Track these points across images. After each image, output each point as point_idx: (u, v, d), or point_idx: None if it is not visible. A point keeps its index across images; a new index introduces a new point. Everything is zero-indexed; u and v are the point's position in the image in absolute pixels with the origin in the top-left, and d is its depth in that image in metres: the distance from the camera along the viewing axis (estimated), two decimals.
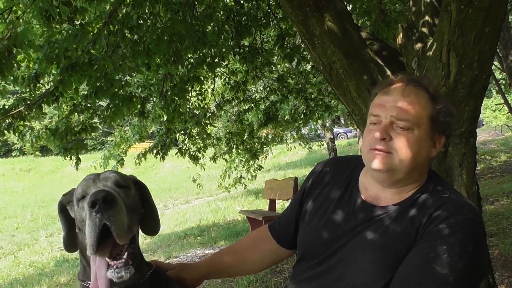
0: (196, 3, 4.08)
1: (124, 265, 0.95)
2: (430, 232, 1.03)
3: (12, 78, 3.79)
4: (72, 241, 1.11)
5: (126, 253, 0.97)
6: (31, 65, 3.58)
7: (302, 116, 6.50)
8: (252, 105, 6.50)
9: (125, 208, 0.97)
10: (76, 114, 4.29)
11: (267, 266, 1.44)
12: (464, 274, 0.98)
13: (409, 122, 1.08)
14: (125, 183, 1.06)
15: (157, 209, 1.20)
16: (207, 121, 6.24)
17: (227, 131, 7.30)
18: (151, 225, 1.15)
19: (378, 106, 1.13)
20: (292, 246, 1.35)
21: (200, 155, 7.11)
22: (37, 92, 3.87)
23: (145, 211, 1.13)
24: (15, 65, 2.85)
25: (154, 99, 5.27)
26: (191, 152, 6.97)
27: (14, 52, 2.73)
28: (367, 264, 1.07)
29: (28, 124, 3.88)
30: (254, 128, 6.87)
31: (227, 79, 6.04)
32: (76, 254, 1.15)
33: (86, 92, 3.92)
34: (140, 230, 1.13)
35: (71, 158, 4.89)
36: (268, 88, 6.34)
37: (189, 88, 5.09)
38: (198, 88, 5.82)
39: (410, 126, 1.08)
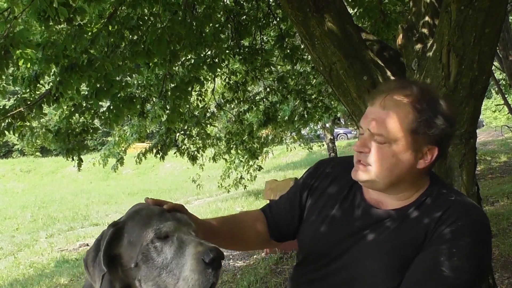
0: (195, 3, 4.07)
1: None
2: (438, 235, 1.02)
3: (12, 78, 3.79)
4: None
5: None
6: (28, 66, 3.56)
7: (300, 118, 6.48)
8: (252, 105, 6.49)
9: None
10: (77, 115, 4.27)
11: (253, 248, 1.42)
12: (471, 276, 0.98)
13: (384, 137, 1.06)
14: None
15: None
16: (207, 121, 6.22)
17: (227, 131, 7.29)
18: None
19: (363, 117, 1.12)
20: (279, 238, 1.32)
21: (199, 155, 7.09)
22: (37, 92, 3.86)
23: None
24: (15, 66, 2.83)
25: (154, 99, 5.26)
26: (190, 152, 6.95)
27: (10, 51, 2.70)
28: (376, 269, 1.06)
29: (28, 124, 3.86)
30: (254, 128, 6.86)
31: (227, 79, 6.03)
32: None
33: (86, 93, 3.91)
34: None
35: (73, 159, 4.89)
36: (267, 89, 6.33)
37: (191, 90, 5.06)
38: (197, 88, 5.81)
39: (385, 141, 1.06)
